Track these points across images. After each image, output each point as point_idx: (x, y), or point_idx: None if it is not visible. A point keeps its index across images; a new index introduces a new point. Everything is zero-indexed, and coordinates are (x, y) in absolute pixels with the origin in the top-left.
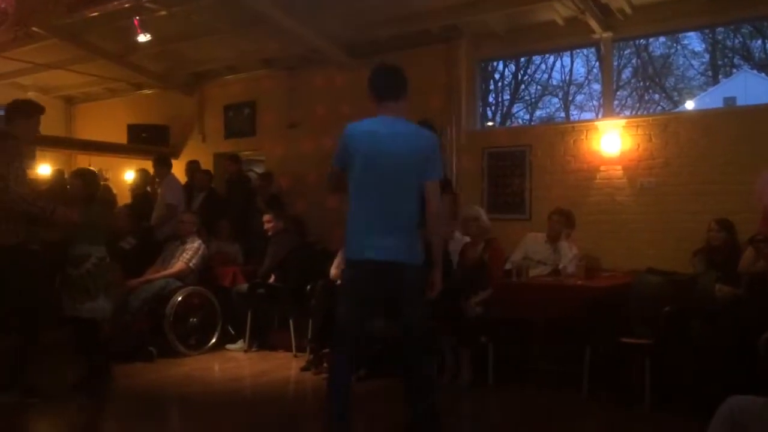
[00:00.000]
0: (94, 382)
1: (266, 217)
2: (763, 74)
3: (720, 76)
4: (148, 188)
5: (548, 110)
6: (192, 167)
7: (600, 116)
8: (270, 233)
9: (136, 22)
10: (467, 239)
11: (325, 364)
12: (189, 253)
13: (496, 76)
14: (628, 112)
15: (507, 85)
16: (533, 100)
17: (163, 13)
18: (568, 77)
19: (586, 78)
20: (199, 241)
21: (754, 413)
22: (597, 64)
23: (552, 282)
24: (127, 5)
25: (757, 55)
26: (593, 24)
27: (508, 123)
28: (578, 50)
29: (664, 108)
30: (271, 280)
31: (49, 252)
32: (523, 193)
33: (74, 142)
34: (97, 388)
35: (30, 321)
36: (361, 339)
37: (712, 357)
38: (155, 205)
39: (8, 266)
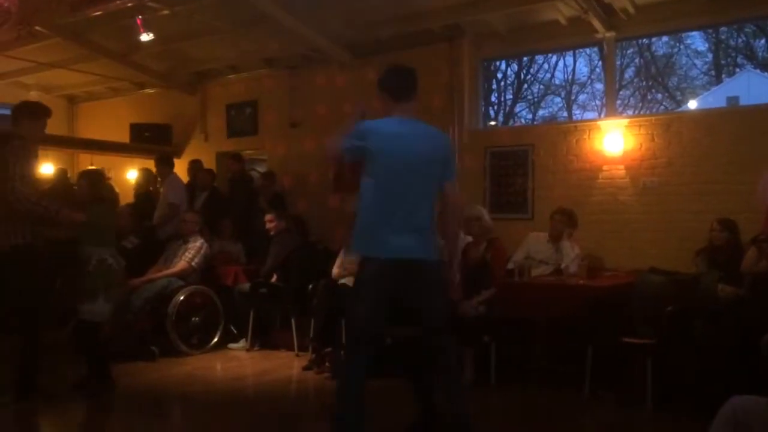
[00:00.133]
0: (94, 382)
1: (268, 217)
2: (766, 74)
3: (723, 76)
4: (151, 188)
5: (551, 110)
6: (194, 166)
7: (603, 116)
8: (272, 233)
9: (138, 22)
10: (469, 239)
11: (327, 364)
12: (191, 253)
13: (499, 75)
14: (630, 112)
15: (510, 85)
16: (536, 99)
17: (166, 12)
18: (570, 77)
19: (589, 77)
20: (202, 241)
21: (756, 413)
22: (600, 63)
23: (554, 282)
24: (129, 4)
25: (760, 54)
26: (596, 23)
27: (510, 122)
28: (581, 50)
29: (666, 107)
30: (273, 279)
31: (54, 251)
32: (525, 193)
33: (77, 141)
34: (96, 388)
35: (31, 321)
36: (381, 339)
37: (715, 357)
38: (157, 204)
39: (13, 266)
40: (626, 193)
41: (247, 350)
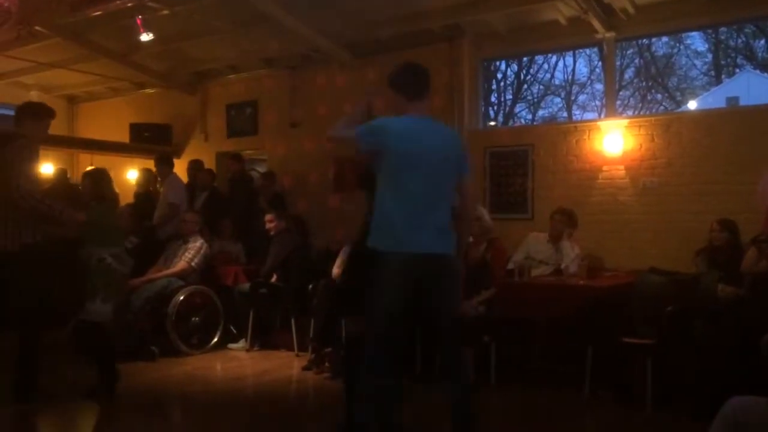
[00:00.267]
0: (96, 383)
1: (268, 217)
2: (766, 74)
3: (723, 76)
4: (151, 188)
5: (551, 110)
6: (194, 166)
7: (602, 116)
8: (272, 233)
9: (138, 22)
10: (470, 239)
11: (327, 364)
12: (191, 253)
13: (499, 75)
14: (630, 112)
15: (509, 85)
16: (536, 99)
17: (166, 12)
18: (570, 77)
19: (589, 78)
20: (202, 241)
21: (756, 414)
22: (599, 63)
23: (554, 282)
24: (129, 4)
25: (760, 54)
26: (596, 24)
27: (510, 123)
28: (581, 50)
29: (666, 108)
30: (273, 279)
31: (55, 251)
32: (525, 193)
33: (77, 141)
34: (96, 389)
35: (33, 321)
36: (404, 336)
37: (715, 357)
38: (157, 204)
39: (23, 266)
40: (626, 194)
41: (247, 350)
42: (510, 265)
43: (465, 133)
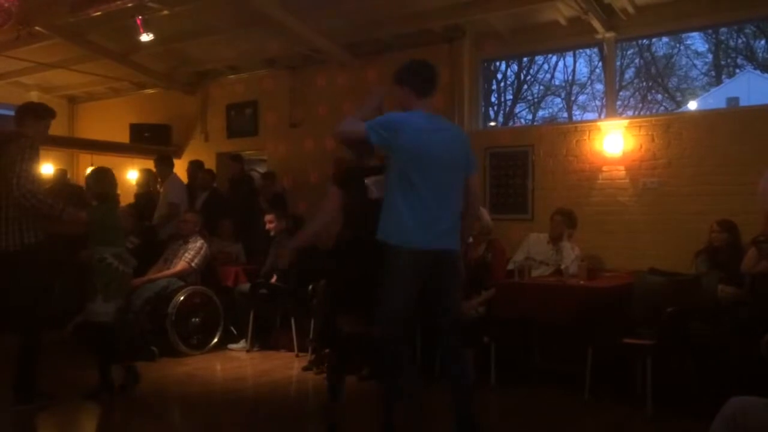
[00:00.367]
0: (97, 383)
1: (268, 217)
2: (766, 75)
3: (723, 77)
4: (151, 188)
5: (551, 110)
6: (194, 167)
7: (602, 116)
8: (272, 233)
9: (138, 22)
10: (470, 239)
11: (327, 364)
12: (191, 253)
13: (499, 76)
14: (630, 113)
15: (510, 85)
16: (536, 100)
17: (166, 12)
18: (570, 77)
19: (589, 78)
20: (202, 241)
21: (756, 414)
22: (600, 64)
23: (554, 282)
24: (129, 5)
25: (760, 55)
26: (596, 24)
27: (510, 123)
28: (581, 50)
29: (666, 108)
30: (273, 280)
31: (55, 250)
32: (525, 193)
33: (77, 141)
34: (97, 389)
35: (35, 321)
36: (415, 332)
37: (715, 357)
38: (158, 204)
39: (25, 265)
40: (626, 194)
41: (247, 351)
42: (510, 266)
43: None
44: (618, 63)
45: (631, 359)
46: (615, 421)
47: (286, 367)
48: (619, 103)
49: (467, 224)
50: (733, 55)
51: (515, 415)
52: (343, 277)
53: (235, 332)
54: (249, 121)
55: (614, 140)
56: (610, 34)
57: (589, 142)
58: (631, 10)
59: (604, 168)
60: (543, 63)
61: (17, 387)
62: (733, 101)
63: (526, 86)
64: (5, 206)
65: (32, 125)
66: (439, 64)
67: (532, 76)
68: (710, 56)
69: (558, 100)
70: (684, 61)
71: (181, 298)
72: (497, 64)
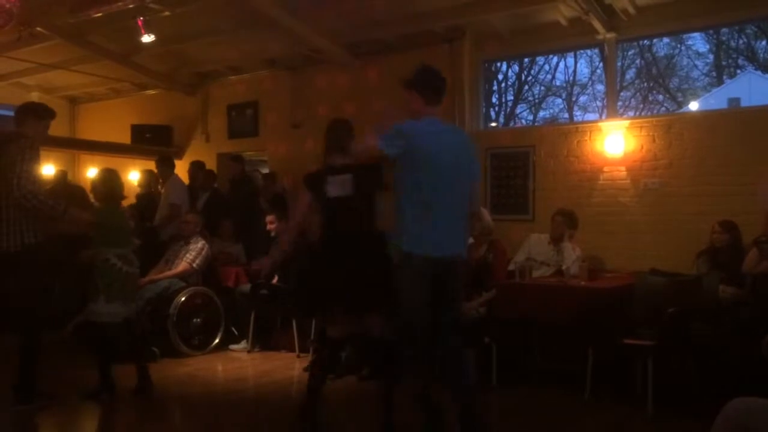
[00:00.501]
0: (97, 383)
1: (269, 218)
2: (767, 75)
3: (724, 77)
4: (152, 189)
5: (552, 111)
6: (195, 167)
7: (603, 117)
8: (273, 234)
9: (139, 23)
10: (470, 240)
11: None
12: (192, 254)
13: (500, 76)
14: (631, 113)
15: (510, 86)
16: (537, 100)
17: (167, 13)
18: (571, 78)
19: (590, 79)
20: (203, 242)
21: (758, 415)
22: (601, 64)
23: (555, 283)
24: (131, 6)
25: (761, 55)
26: (597, 25)
27: (511, 124)
28: (582, 51)
29: (667, 109)
30: (274, 280)
31: (59, 250)
32: (526, 194)
33: (78, 142)
34: (97, 389)
35: (34, 321)
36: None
37: (716, 358)
38: (159, 205)
39: (24, 265)
40: (627, 195)
41: (248, 351)
42: (511, 267)
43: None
44: (619, 63)
45: (631, 360)
46: (615, 421)
47: (287, 367)
48: (620, 103)
49: (472, 227)
50: (734, 55)
51: (516, 415)
52: (315, 278)
53: (236, 333)
54: (250, 122)
55: (615, 141)
56: (610, 35)
57: (590, 142)
58: (631, 10)
59: (605, 169)
60: (544, 64)
61: (18, 387)
62: (734, 102)
63: (526, 87)
64: (5, 207)
65: (32, 125)
66: (439, 65)
67: (533, 77)
68: (711, 57)
69: (559, 100)
70: (685, 61)
71: (183, 298)
72: (498, 64)
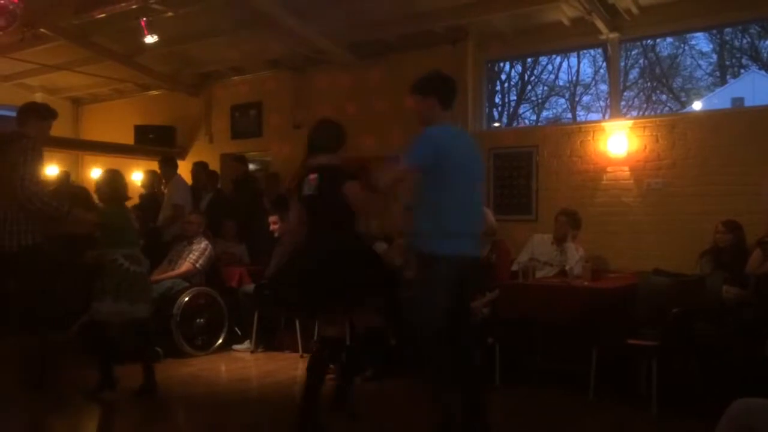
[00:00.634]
0: (99, 383)
1: (272, 219)
2: None
3: (728, 77)
4: (155, 189)
5: (555, 111)
6: (198, 168)
7: (607, 117)
8: (276, 234)
9: (143, 24)
10: None
11: (331, 366)
12: (196, 254)
13: (503, 76)
14: (635, 113)
15: (513, 86)
16: (540, 100)
17: (170, 14)
18: (574, 78)
19: (593, 79)
20: (206, 242)
21: (761, 415)
22: (604, 64)
23: (558, 283)
24: (134, 7)
25: (765, 55)
26: (600, 24)
27: (514, 124)
28: (585, 51)
29: (671, 109)
30: None
31: (60, 251)
32: (529, 194)
33: (81, 143)
34: (99, 389)
35: (38, 321)
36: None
37: (719, 358)
38: (162, 205)
39: (20, 267)
40: (630, 195)
41: (252, 351)
42: (514, 267)
43: (469, 134)
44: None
45: (635, 360)
46: (619, 421)
47: (291, 367)
48: (623, 103)
49: None
50: (738, 55)
51: (519, 415)
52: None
53: (239, 333)
54: (253, 122)
55: (618, 141)
56: (614, 35)
57: (593, 142)
58: (635, 10)
59: (609, 169)
60: (547, 63)
61: (24, 387)
62: (737, 101)
63: (529, 87)
64: (5, 206)
65: (34, 126)
66: (442, 65)
67: (536, 77)
68: (715, 56)
69: (562, 100)
70: (688, 61)
71: (186, 299)
72: (501, 64)
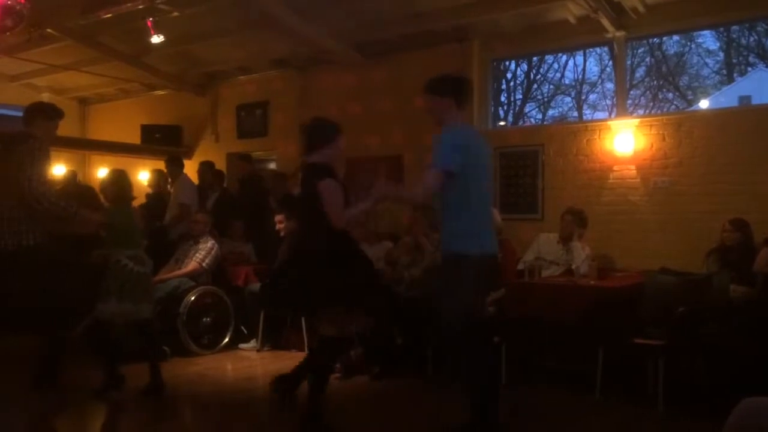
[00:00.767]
0: (104, 382)
1: (278, 218)
2: None
3: (734, 75)
4: (162, 189)
5: (561, 110)
6: (204, 167)
7: (613, 115)
8: (282, 233)
9: (149, 24)
10: None
11: (338, 364)
12: (202, 253)
13: (509, 75)
14: (641, 112)
15: (519, 85)
16: (546, 99)
17: (176, 14)
18: (580, 76)
19: (599, 77)
20: (212, 241)
21: None
22: (610, 63)
23: (564, 282)
24: (140, 7)
25: None
26: (606, 23)
27: (520, 122)
28: (591, 49)
29: (677, 107)
30: None
31: (63, 251)
32: (535, 193)
33: (88, 142)
34: (104, 388)
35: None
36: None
37: (727, 358)
38: (168, 205)
39: (20, 266)
40: (637, 193)
41: (258, 350)
42: (520, 266)
43: None
44: (628, 62)
45: (642, 359)
46: (625, 420)
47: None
48: (629, 102)
49: None
50: (745, 53)
51: (525, 414)
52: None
53: (245, 332)
54: (259, 122)
55: (625, 139)
56: (620, 33)
57: (599, 141)
58: (641, 8)
59: (615, 167)
60: (553, 62)
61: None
62: (744, 100)
63: (535, 85)
64: (8, 206)
65: (41, 126)
66: (448, 65)
67: (542, 76)
68: (722, 54)
69: (568, 99)
70: (695, 59)
71: (192, 298)
72: (507, 63)
